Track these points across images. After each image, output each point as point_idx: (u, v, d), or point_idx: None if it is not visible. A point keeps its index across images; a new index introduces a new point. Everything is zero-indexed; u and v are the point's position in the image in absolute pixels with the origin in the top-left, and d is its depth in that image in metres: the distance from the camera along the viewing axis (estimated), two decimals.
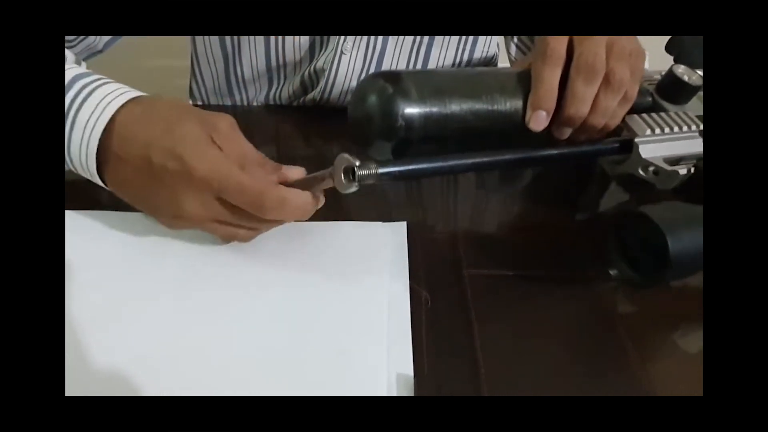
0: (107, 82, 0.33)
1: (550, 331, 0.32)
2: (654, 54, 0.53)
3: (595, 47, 0.35)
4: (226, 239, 0.34)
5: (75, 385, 0.26)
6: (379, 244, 0.35)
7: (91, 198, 0.37)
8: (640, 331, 0.32)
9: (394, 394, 0.27)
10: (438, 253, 0.35)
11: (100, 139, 0.31)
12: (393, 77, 0.34)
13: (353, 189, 0.30)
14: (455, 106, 0.35)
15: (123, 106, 0.32)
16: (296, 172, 0.34)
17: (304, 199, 0.32)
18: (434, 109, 0.34)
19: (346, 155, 0.30)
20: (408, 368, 0.28)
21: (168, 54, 1.02)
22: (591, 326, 0.32)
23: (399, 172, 0.32)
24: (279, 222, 0.34)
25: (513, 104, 0.37)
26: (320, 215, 0.36)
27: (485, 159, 0.35)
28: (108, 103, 0.32)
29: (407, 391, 0.27)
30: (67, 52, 0.38)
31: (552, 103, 0.36)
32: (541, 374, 0.29)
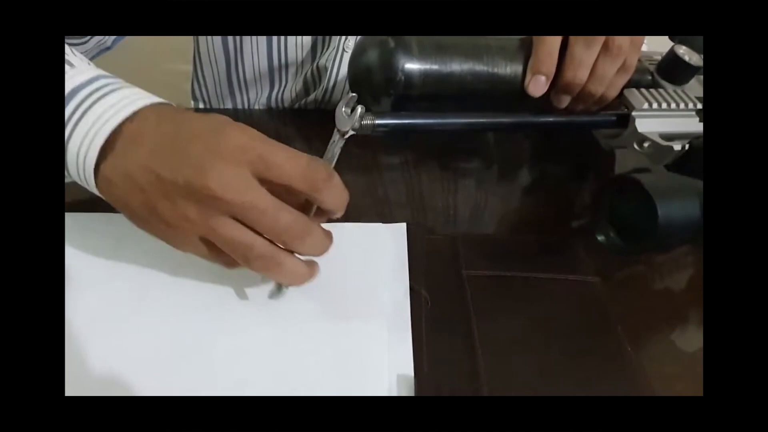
0: (131, 86, 0.30)
1: (549, 331, 0.32)
2: (654, 38, 0.54)
3: None
4: (239, 253, 0.28)
5: (75, 386, 0.26)
6: (379, 245, 0.35)
7: (91, 200, 0.36)
8: (639, 330, 0.33)
9: (394, 393, 0.27)
10: (438, 254, 0.36)
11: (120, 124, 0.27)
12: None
13: (350, 132, 0.31)
14: (456, 66, 0.35)
15: (158, 104, 0.28)
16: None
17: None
18: (434, 67, 0.35)
19: (351, 94, 0.31)
20: (408, 368, 0.28)
21: (174, 58, 1.01)
22: (590, 326, 0.33)
23: (395, 124, 0.33)
24: (319, 215, 0.29)
25: (513, 68, 0.37)
26: None
27: (482, 120, 0.36)
28: (142, 98, 0.28)
29: (407, 390, 0.27)
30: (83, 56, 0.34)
31: (552, 68, 0.36)
32: (540, 374, 0.29)
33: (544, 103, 0.39)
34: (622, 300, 0.35)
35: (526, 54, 0.37)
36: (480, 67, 0.36)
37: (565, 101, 0.38)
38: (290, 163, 0.26)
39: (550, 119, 0.38)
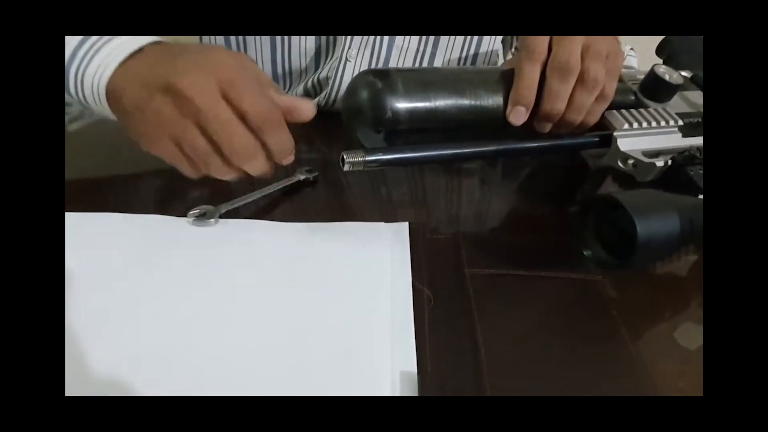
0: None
1: (552, 329, 0.32)
2: (646, 55, 0.56)
3: (570, 46, 0.37)
4: (201, 159, 0.33)
5: (75, 386, 0.26)
6: (381, 244, 0.36)
7: (92, 200, 0.38)
8: (641, 328, 0.33)
9: (397, 392, 0.27)
10: (440, 253, 0.36)
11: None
12: (382, 74, 0.37)
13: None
14: (440, 101, 0.38)
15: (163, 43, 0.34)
16: (307, 105, 0.34)
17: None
18: (420, 104, 0.37)
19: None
20: (411, 366, 0.28)
21: None
22: (592, 324, 0.33)
23: (385, 160, 0.35)
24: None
25: (495, 100, 0.39)
26: (324, 216, 0.38)
27: (468, 150, 0.38)
28: (137, 40, 0.33)
29: (411, 388, 0.27)
30: None
31: (530, 99, 0.38)
32: (543, 372, 0.30)
33: (529, 129, 0.41)
34: (625, 298, 0.35)
35: (507, 85, 0.39)
36: (464, 101, 0.38)
37: (546, 128, 0.40)
38: (252, 96, 0.30)
39: (535, 144, 0.40)
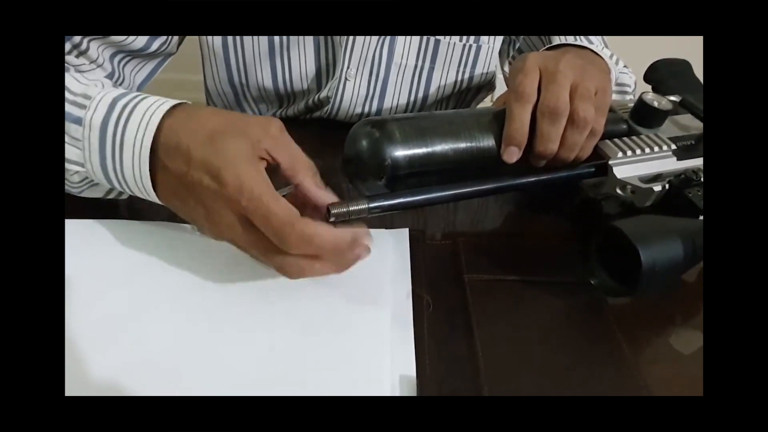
0: (146, 97, 0.33)
1: (548, 333, 0.33)
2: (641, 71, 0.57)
3: (558, 90, 0.38)
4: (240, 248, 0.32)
5: (77, 391, 0.26)
6: (382, 250, 0.37)
7: (91, 207, 0.38)
8: (636, 332, 0.34)
9: (397, 394, 0.28)
10: (439, 259, 0.37)
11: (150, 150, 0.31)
12: (380, 123, 0.39)
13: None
14: (437, 146, 0.39)
15: (167, 114, 0.31)
16: (324, 196, 0.32)
17: (334, 236, 0.30)
18: (418, 150, 0.38)
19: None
20: (411, 369, 0.29)
21: (179, 68, 1.01)
22: (588, 328, 0.34)
23: (388, 205, 0.36)
24: (310, 262, 0.31)
25: (489, 140, 0.40)
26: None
27: (467, 189, 0.39)
28: (152, 115, 0.31)
29: (410, 391, 0.28)
30: (105, 79, 0.39)
31: (522, 139, 0.39)
32: (539, 374, 0.30)
33: (525, 162, 0.42)
34: (620, 303, 0.35)
35: (500, 125, 0.40)
36: (459, 143, 0.40)
37: (541, 163, 0.41)
38: (267, 221, 0.29)
39: (532, 179, 0.41)
